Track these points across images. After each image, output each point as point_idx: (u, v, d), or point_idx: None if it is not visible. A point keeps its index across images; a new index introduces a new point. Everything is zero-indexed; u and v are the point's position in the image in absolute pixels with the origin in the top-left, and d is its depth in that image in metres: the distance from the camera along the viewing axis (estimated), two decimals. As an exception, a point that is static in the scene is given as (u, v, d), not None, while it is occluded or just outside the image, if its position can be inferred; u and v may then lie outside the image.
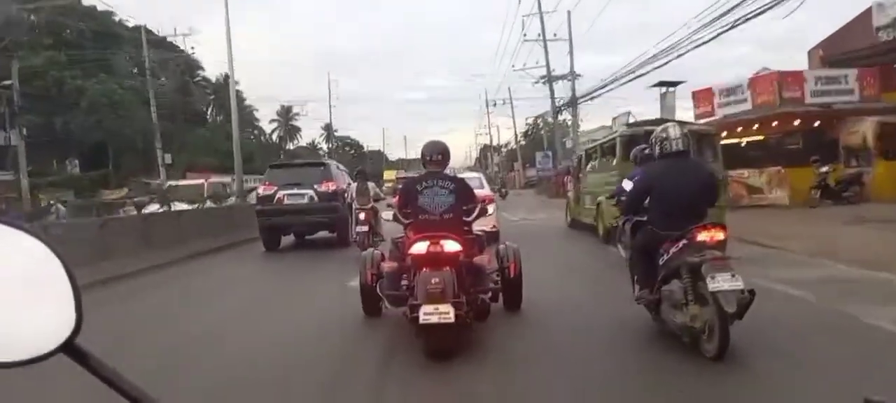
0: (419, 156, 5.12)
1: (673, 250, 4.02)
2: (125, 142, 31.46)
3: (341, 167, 13.86)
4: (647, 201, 4.41)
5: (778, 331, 4.25)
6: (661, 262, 4.15)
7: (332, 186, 11.63)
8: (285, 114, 58.26)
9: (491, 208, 9.03)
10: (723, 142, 11.51)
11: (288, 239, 12.75)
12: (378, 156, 75.81)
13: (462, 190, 4.78)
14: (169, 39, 32.40)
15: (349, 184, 11.74)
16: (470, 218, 4.87)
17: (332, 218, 11.58)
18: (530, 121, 55.57)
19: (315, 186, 11.53)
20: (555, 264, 8.42)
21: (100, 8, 32.72)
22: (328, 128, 61.74)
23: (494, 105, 50.14)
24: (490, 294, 4.81)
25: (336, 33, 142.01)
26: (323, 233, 12.32)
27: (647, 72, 20.63)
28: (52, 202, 21.94)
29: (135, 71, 33.69)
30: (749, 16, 14.14)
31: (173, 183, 24.46)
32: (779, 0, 13.20)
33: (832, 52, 17.86)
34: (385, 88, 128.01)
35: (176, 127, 35.41)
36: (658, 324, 4.29)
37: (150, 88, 30.85)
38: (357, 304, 5.23)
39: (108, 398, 0.80)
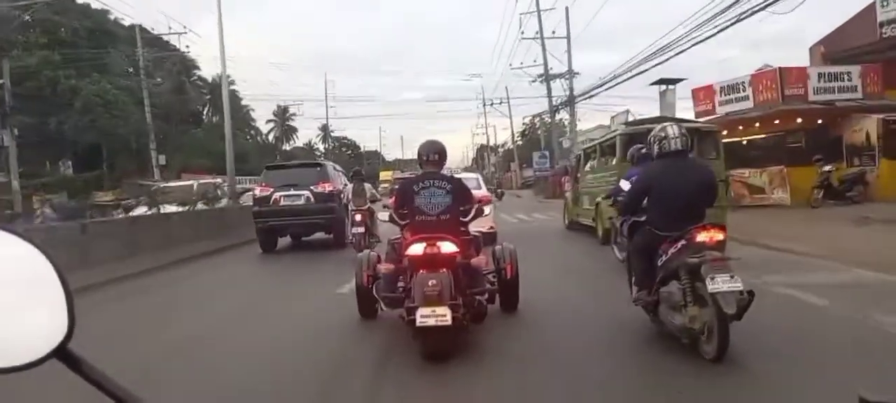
0: (416, 157, 5.08)
1: (672, 251, 3.99)
2: (119, 143, 31.22)
3: (338, 168, 13.79)
4: (645, 201, 4.38)
5: (777, 333, 4.22)
6: (659, 263, 4.12)
7: (328, 187, 11.58)
8: (282, 115, 58.12)
9: (488, 209, 9.00)
10: (723, 140, 11.36)
11: (284, 241, 12.69)
12: (375, 156, 75.81)
13: (459, 190, 4.74)
14: (164, 38, 32.30)
15: (345, 184, 11.70)
16: (467, 219, 4.84)
17: (329, 219, 11.54)
18: (527, 120, 55.54)
19: (311, 187, 11.49)
20: (552, 265, 8.38)
21: (94, 6, 32.65)
22: (325, 128, 61.70)
23: (491, 104, 50.06)
24: (487, 295, 4.78)
25: (334, 33, 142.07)
26: (320, 235, 12.27)
27: (647, 70, 20.47)
28: (37, 204, 21.63)
29: (130, 70, 33.48)
30: (756, 9, 13.92)
31: (164, 184, 23.71)
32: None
33: (834, 49, 17.47)
34: (382, 88, 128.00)
35: (171, 127, 35.26)
36: (656, 326, 4.26)
37: (145, 88, 30.62)
38: (352, 307, 5.18)
39: None
